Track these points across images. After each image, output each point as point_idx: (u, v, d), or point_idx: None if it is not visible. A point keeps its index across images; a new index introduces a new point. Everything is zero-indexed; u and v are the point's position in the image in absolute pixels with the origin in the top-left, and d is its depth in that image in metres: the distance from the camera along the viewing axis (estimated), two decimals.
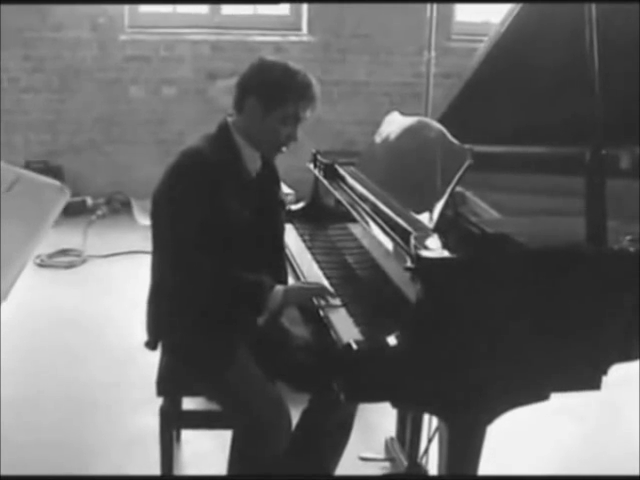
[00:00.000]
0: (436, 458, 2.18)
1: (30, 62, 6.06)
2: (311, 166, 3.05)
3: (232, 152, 2.42)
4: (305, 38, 6.41)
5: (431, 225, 2.16)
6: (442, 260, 2.01)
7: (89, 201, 6.09)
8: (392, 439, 3.00)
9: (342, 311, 2.27)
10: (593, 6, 2.02)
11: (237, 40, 6.24)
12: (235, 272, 2.36)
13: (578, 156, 2.07)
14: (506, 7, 2.65)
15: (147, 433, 2.87)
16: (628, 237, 2.14)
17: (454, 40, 6.33)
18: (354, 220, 2.58)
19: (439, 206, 2.17)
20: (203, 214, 2.32)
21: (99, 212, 6.05)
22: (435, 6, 3.79)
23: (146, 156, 6.13)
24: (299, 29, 6.43)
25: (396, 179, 2.52)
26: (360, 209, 2.51)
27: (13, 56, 5.98)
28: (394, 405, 2.13)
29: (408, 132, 2.63)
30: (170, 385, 2.52)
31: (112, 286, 4.78)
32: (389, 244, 2.26)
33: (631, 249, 2.10)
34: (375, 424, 3.12)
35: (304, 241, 2.87)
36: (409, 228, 2.16)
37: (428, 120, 2.60)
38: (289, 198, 4.62)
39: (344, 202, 2.65)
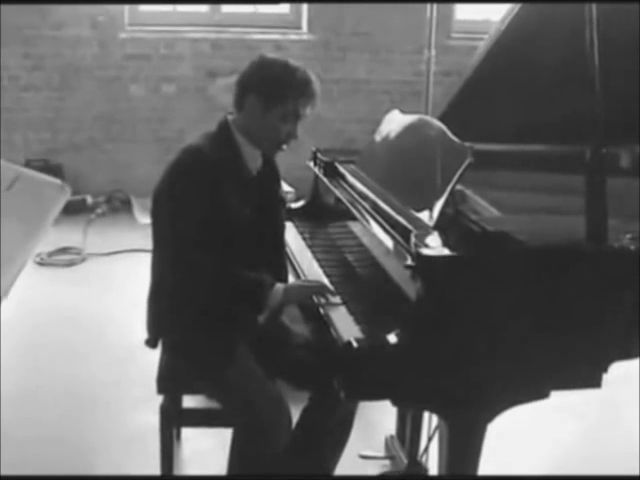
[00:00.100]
0: (436, 456, 2.18)
1: (30, 60, 6.05)
2: (311, 164, 3.05)
3: (232, 150, 2.42)
4: (305, 36, 6.40)
5: (431, 223, 2.15)
6: (442, 258, 2.01)
7: (89, 199, 6.09)
8: (392, 437, 3.00)
9: (342, 309, 2.27)
10: (593, 5, 2.03)
11: (237, 38, 6.24)
12: (235, 270, 2.36)
13: (578, 154, 2.07)
14: (506, 5, 2.65)
15: (147, 431, 2.87)
16: (628, 235, 2.14)
17: (454, 38, 6.33)
18: (354, 218, 2.58)
19: (439, 204, 2.17)
20: (203, 212, 2.32)
21: (99, 210, 6.05)
22: (435, 5, 3.79)
23: (146, 154, 6.12)
24: (299, 27, 6.43)
25: (396, 177, 2.52)
26: (360, 207, 2.50)
27: (13, 54, 5.97)
28: (394, 403, 2.12)
29: (408, 130, 2.63)
30: (170, 383, 2.52)
31: (112, 284, 4.78)
32: (389, 242, 2.26)
33: (631, 247, 2.10)
34: (375, 422, 3.12)
35: (304, 239, 2.87)
36: (409, 226, 2.16)
37: (428, 118, 2.60)
38: (289, 196, 4.62)
39: (344, 200, 2.65)
